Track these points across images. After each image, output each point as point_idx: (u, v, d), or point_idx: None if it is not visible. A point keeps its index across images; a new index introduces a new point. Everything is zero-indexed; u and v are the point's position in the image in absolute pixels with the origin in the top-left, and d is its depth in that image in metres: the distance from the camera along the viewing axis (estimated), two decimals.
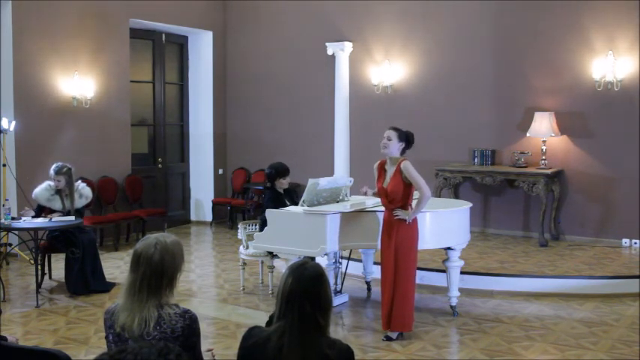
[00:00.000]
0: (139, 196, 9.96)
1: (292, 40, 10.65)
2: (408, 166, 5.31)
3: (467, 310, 6.23)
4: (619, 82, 8.25)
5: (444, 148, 9.41)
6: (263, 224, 6.42)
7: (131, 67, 9.97)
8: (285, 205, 6.46)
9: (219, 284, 7.38)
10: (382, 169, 5.53)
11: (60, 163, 7.13)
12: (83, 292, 6.84)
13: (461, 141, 9.34)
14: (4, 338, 3.35)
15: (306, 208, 5.89)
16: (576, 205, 8.77)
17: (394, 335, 5.46)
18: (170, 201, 10.90)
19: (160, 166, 10.72)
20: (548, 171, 8.48)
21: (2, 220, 6.78)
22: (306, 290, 2.47)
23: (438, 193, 8.88)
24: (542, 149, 8.65)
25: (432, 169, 8.98)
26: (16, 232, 6.99)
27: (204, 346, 2.88)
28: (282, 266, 6.93)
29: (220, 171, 11.34)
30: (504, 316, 6.08)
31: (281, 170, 6.78)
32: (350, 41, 10.12)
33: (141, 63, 10.45)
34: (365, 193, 5.71)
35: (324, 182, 6.13)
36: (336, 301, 6.35)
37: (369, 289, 6.95)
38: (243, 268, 7.03)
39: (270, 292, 6.77)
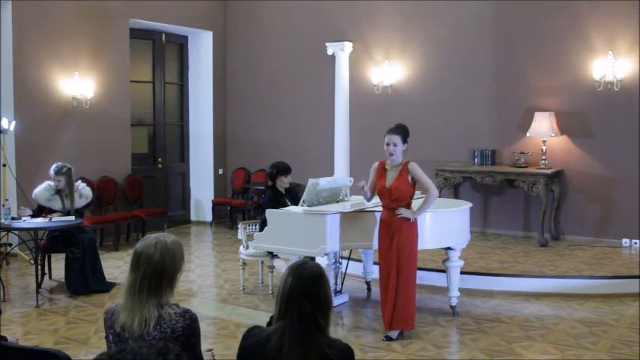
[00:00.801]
0: (139, 196, 9.96)
1: (292, 40, 10.65)
2: (415, 167, 5.34)
3: (467, 310, 6.23)
4: (619, 82, 8.25)
5: (444, 148, 9.41)
6: (263, 224, 6.42)
7: (131, 67, 9.98)
8: (285, 205, 6.46)
9: (219, 284, 7.38)
10: (382, 170, 5.53)
11: (60, 163, 7.13)
12: (83, 292, 6.84)
13: (461, 141, 9.34)
14: (4, 338, 3.34)
15: (306, 208, 5.89)
16: (576, 205, 8.77)
17: (394, 335, 5.46)
18: (170, 201, 10.91)
19: (160, 166, 10.72)
20: (548, 171, 8.48)
21: (2, 220, 6.78)
22: (306, 290, 2.47)
23: (438, 193, 8.87)
24: (542, 149, 8.65)
25: (432, 169, 8.97)
26: (16, 232, 7.00)
27: (204, 346, 2.88)
28: (282, 266, 6.93)
29: (220, 171, 11.34)
30: (504, 316, 6.08)
31: (282, 169, 6.79)
32: (350, 41, 10.12)
33: (141, 63, 10.46)
34: (362, 188, 5.66)
35: (324, 182, 6.13)
36: (336, 301, 6.35)
37: (369, 289, 6.95)
38: (243, 268, 7.03)
39: (270, 292, 6.77)
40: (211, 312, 6.37)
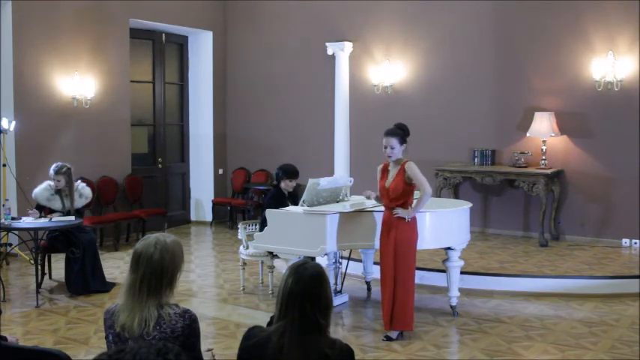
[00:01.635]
0: (139, 196, 9.96)
1: (292, 40, 10.65)
2: (412, 166, 5.33)
3: (467, 310, 6.23)
4: (619, 82, 8.25)
5: (444, 148, 9.40)
6: (263, 223, 6.42)
7: (131, 67, 9.98)
8: (286, 206, 6.45)
9: (219, 284, 7.38)
10: (385, 171, 5.53)
11: (59, 163, 7.13)
12: (83, 292, 6.84)
13: (461, 141, 9.34)
14: (4, 338, 3.34)
15: (306, 208, 5.89)
16: (576, 205, 8.77)
17: (394, 335, 5.46)
18: (170, 201, 10.91)
19: (160, 166, 10.72)
20: (548, 171, 8.48)
21: (2, 220, 6.78)
22: (306, 290, 2.47)
23: (438, 193, 8.88)
24: (542, 149, 8.65)
25: (432, 169, 8.98)
26: (16, 232, 6.99)
27: (204, 346, 2.88)
28: (282, 266, 6.92)
29: (220, 171, 11.34)
30: (504, 316, 6.08)
31: (288, 172, 6.78)
32: (350, 41, 10.12)
33: (141, 63, 10.46)
34: (369, 197, 5.70)
35: (324, 182, 6.13)
36: (336, 301, 6.35)
37: (369, 289, 6.95)
38: (243, 268, 7.03)
39: (270, 292, 6.77)
40: (211, 312, 6.37)
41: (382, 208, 5.61)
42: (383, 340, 5.45)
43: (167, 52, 10.80)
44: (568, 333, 5.61)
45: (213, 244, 9.87)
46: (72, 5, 8.96)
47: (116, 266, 8.09)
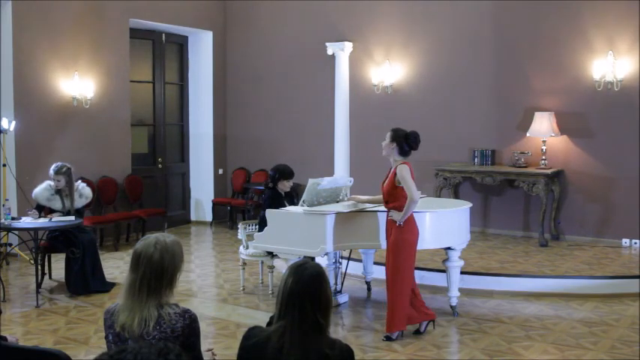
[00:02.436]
0: (139, 196, 9.96)
1: (292, 40, 10.65)
2: (402, 170, 5.30)
3: (467, 310, 6.23)
4: (619, 82, 8.25)
5: (444, 148, 9.40)
6: (261, 223, 6.42)
7: (131, 67, 9.98)
8: (283, 207, 6.45)
9: (219, 284, 7.38)
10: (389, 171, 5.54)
11: (59, 163, 7.13)
12: (83, 292, 6.84)
13: (461, 141, 9.34)
14: (4, 338, 3.34)
15: (306, 208, 5.89)
16: (576, 205, 8.77)
17: (394, 335, 5.46)
18: (170, 201, 10.91)
19: (160, 166, 10.72)
20: (548, 171, 8.48)
21: (2, 220, 6.78)
22: (306, 290, 2.47)
23: (438, 193, 8.88)
24: (542, 149, 8.65)
25: (431, 169, 8.99)
26: (16, 232, 6.99)
27: (204, 346, 2.88)
28: (282, 266, 6.93)
29: (220, 171, 11.34)
30: (504, 316, 6.08)
31: (285, 172, 6.77)
32: (350, 41, 10.12)
33: (141, 63, 10.46)
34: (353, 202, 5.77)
35: (324, 182, 6.13)
36: (336, 301, 6.35)
37: (369, 289, 6.95)
38: (243, 268, 7.03)
39: (270, 292, 6.77)
40: (211, 312, 6.37)
41: (383, 208, 5.63)
42: (382, 340, 5.46)
43: (167, 52, 10.80)
44: (568, 333, 5.61)
45: (213, 244, 9.87)
46: (72, 5, 8.96)
47: (116, 266, 8.09)
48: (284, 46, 10.74)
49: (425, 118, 9.34)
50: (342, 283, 6.75)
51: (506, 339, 5.48)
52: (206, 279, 7.61)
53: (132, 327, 2.63)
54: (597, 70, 8.38)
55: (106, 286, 7.04)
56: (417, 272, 5.70)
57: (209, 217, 11.17)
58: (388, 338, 5.45)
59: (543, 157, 8.64)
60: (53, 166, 7.08)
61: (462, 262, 6.16)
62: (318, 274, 2.52)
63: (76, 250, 6.89)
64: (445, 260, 6.12)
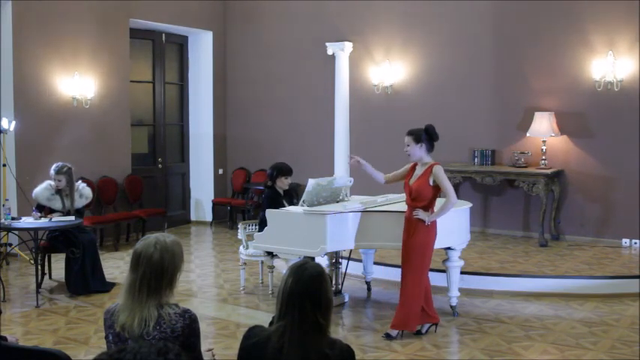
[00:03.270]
0: (139, 196, 9.96)
1: (292, 40, 10.65)
2: (439, 171, 5.33)
3: (467, 310, 6.23)
4: (619, 82, 8.25)
5: (444, 148, 9.31)
6: (261, 223, 6.42)
7: (131, 67, 9.98)
8: (282, 206, 6.45)
9: (219, 284, 7.38)
10: (412, 169, 5.53)
11: (60, 163, 7.13)
12: (83, 292, 6.84)
13: (461, 141, 9.33)
14: (4, 338, 3.34)
15: (306, 208, 5.89)
16: (576, 205, 8.77)
17: (394, 333, 5.45)
18: (170, 201, 10.91)
19: (160, 166, 10.72)
20: (548, 171, 8.48)
21: (2, 220, 6.78)
22: (306, 290, 2.47)
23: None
24: (542, 149, 8.65)
25: None
26: (16, 232, 6.99)
27: (204, 346, 2.88)
28: (282, 266, 6.93)
29: (220, 171, 11.35)
30: (504, 316, 6.08)
31: (283, 170, 6.78)
32: (350, 41, 10.12)
33: (141, 63, 10.46)
34: (356, 160, 5.66)
35: (324, 182, 6.13)
36: (336, 301, 6.35)
37: (369, 289, 6.95)
38: (244, 268, 7.03)
39: (270, 292, 6.77)
40: (211, 312, 6.37)
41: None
42: (382, 337, 5.45)
43: (167, 52, 10.80)
44: (568, 333, 5.61)
45: (213, 244, 9.87)
46: (72, 5, 8.96)
47: (116, 266, 8.09)
48: (284, 46, 10.74)
49: (425, 118, 9.22)
50: (342, 283, 6.75)
51: (506, 339, 5.48)
52: (206, 279, 7.61)
53: (132, 327, 2.63)
54: (597, 70, 8.38)
55: (106, 286, 7.03)
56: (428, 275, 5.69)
57: (209, 217, 11.17)
58: (388, 336, 5.45)
59: (543, 157, 8.64)
60: (54, 166, 7.08)
61: (462, 262, 6.17)
62: (319, 274, 2.52)
63: (76, 250, 6.89)
64: (445, 260, 6.12)
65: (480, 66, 9.25)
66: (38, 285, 6.71)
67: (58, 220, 6.86)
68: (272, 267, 6.78)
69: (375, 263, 7.02)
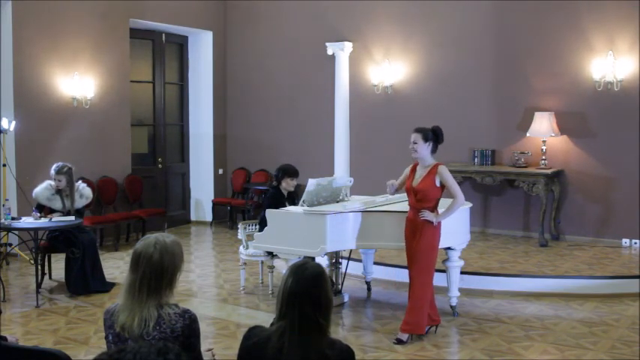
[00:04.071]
0: (139, 196, 9.96)
1: (292, 40, 10.65)
2: (444, 171, 5.32)
3: (467, 310, 6.23)
4: (619, 82, 8.25)
5: (444, 148, 9.26)
6: (262, 223, 6.42)
7: (131, 67, 9.98)
8: (284, 206, 6.45)
9: (219, 284, 7.38)
10: (413, 171, 5.50)
11: (60, 163, 7.13)
12: (83, 292, 6.84)
13: (461, 141, 9.31)
14: (4, 338, 3.34)
15: (306, 208, 5.89)
16: (576, 205, 8.77)
17: (404, 337, 5.39)
18: (170, 201, 10.91)
19: (160, 166, 10.72)
20: (548, 171, 8.48)
21: (2, 220, 6.78)
22: (306, 290, 2.47)
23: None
24: (542, 149, 8.65)
25: None
26: (16, 232, 6.99)
27: (204, 346, 2.88)
28: (282, 266, 6.93)
29: (220, 171, 11.35)
30: (504, 316, 6.08)
31: (289, 171, 6.78)
32: (350, 41, 10.12)
33: (141, 63, 10.46)
34: (393, 185, 5.60)
35: (324, 182, 6.13)
36: (336, 301, 6.35)
37: (369, 289, 6.95)
38: (244, 268, 7.03)
39: (270, 292, 6.77)
40: (211, 312, 6.37)
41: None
42: (393, 342, 5.38)
43: (167, 52, 10.80)
44: (568, 333, 5.61)
45: (213, 244, 9.87)
46: (72, 5, 8.96)
47: (116, 266, 8.09)
48: (284, 46, 10.74)
49: (425, 118, 9.25)
50: (342, 283, 6.75)
51: (506, 339, 5.48)
52: (206, 279, 7.61)
53: (132, 327, 2.63)
54: (597, 70, 8.38)
55: (106, 286, 7.04)
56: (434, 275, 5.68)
57: (209, 217, 11.17)
58: (400, 341, 5.36)
59: (543, 157, 8.64)
60: (54, 166, 7.09)
61: (462, 262, 6.17)
62: (319, 274, 2.52)
63: (76, 250, 6.89)
64: (445, 260, 6.12)
65: (480, 66, 9.25)
66: (38, 285, 6.71)
67: (58, 220, 6.86)
68: (272, 267, 6.78)
69: (375, 263, 7.02)
